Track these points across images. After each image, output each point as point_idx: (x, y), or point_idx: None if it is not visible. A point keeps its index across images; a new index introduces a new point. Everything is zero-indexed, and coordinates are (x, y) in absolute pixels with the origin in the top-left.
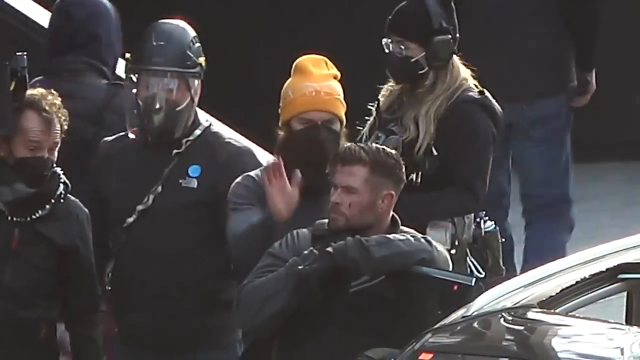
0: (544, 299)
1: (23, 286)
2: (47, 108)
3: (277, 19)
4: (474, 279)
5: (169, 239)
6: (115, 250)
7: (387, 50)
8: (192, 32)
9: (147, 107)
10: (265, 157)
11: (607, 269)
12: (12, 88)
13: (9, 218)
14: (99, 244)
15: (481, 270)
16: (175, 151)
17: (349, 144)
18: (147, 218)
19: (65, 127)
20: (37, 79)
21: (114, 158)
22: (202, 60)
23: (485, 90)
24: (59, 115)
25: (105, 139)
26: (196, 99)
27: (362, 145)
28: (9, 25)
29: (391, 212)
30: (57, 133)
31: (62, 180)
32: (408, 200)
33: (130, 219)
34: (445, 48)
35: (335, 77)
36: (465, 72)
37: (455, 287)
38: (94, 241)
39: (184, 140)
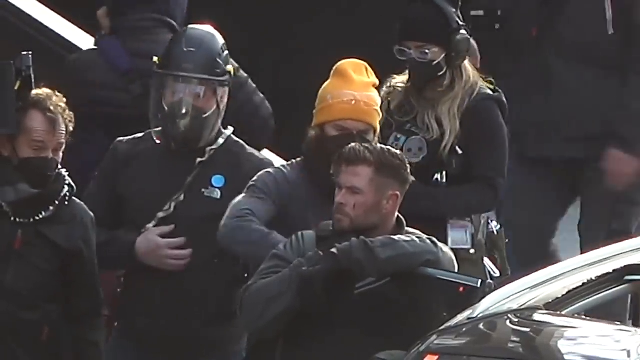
0: (550, 300)
1: (25, 287)
2: (52, 108)
3: (276, 18)
4: (479, 281)
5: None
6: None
7: (402, 57)
8: (221, 40)
9: (172, 111)
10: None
11: (613, 271)
12: (16, 87)
13: (12, 219)
14: (106, 244)
15: (496, 270)
16: (198, 160)
17: (353, 144)
18: (167, 225)
19: (71, 128)
20: (105, 39)
21: (134, 160)
22: (230, 68)
23: (498, 88)
24: (64, 116)
25: (120, 139)
26: (222, 107)
27: (366, 145)
28: (13, 25)
29: (396, 213)
30: (62, 134)
31: (66, 182)
32: (430, 192)
33: (150, 225)
34: (465, 45)
35: (374, 86)
36: (473, 70)
37: (461, 289)
38: (100, 242)
39: (207, 149)
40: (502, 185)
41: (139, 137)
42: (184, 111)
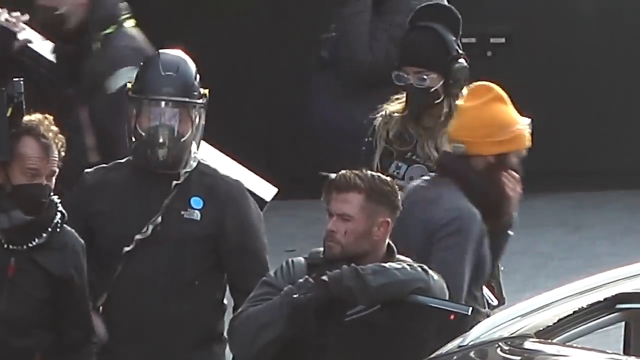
0: (541, 328)
1: (18, 315)
2: (45, 134)
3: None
4: (470, 308)
5: (167, 270)
6: (109, 280)
7: (400, 83)
8: (193, 63)
9: (151, 137)
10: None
11: (605, 299)
12: (8, 114)
13: (5, 246)
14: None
15: (494, 299)
16: (174, 182)
17: (343, 171)
18: (146, 248)
19: (63, 153)
20: None
21: (105, 187)
22: (206, 91)
23: None
24: (57, 141)
25: (88, 170)
26: (198, 130)
27: (356, 172)
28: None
29: (387, 240)
30: (55, 160)
31: (58, 209)
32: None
33: (128, 248)
34: (464, 74)
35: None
36: None
37: (452, 317)
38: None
39: (182, 171)
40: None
41: (106, 167)
42: (162, 136)
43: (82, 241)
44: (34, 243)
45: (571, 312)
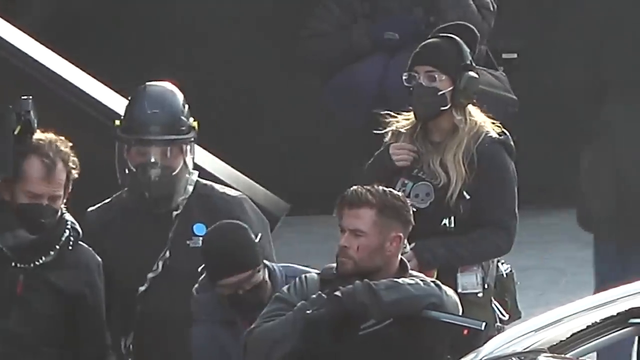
0: (555, 343)
1: (28, 333)
2: (50, 155)
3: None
4: (483, 324)
5: (184, 302)
6: (132, 321)
7: (409, 84)
8: (181, 95)
9: (141, 172)
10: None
11: (617, 314)
12: (17, 131)
13: (14, 264)
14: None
15: (505, 314)
16: (174, 213)
17: (354, 187)
18: (160, 284)
19: (75, 174)
20: None
21: (109, 227)
22: (194, 123)
23: (505, 131)
24: (67, 161)
25: (91, 209)
26: (189, 162)
27: (368, 187)
28: (14, 68)
29: (399, 256)
30: (59, 183)
31: (68, 227)
32: (446, 243)
33: (143, 288)
34: (474, 86)
35: None
36: (480, 114)
37: (465, 332)
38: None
39: (180, 199)
40: (515, 227)
41: (108, 203)
42: (152, 172)
43: (99, 259)
44: (41, 261)
45: (584, 327)
